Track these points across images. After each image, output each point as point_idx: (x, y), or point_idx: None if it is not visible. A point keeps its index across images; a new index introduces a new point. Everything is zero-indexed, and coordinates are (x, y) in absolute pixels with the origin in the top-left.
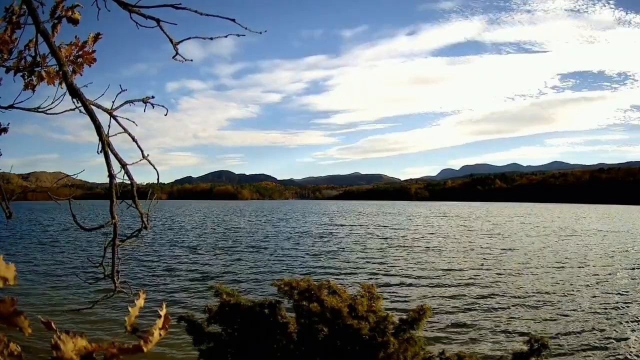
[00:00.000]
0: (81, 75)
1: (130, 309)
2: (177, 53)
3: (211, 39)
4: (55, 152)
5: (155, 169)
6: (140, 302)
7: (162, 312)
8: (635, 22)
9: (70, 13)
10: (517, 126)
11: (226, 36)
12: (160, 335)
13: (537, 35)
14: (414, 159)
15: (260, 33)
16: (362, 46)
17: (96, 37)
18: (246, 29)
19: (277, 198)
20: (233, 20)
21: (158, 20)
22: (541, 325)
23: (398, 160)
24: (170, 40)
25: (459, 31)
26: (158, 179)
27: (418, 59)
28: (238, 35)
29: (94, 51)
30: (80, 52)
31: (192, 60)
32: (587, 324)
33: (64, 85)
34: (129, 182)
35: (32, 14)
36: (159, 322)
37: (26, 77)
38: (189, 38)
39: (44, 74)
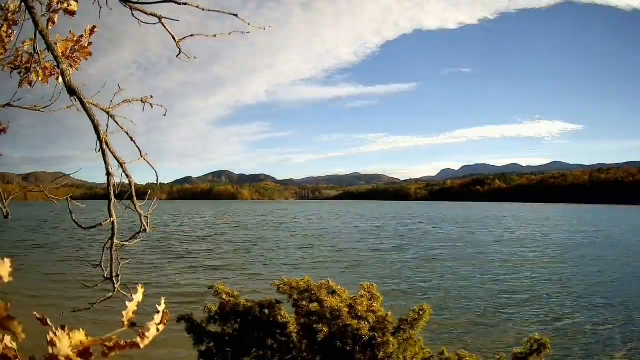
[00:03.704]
0: (77, 70)
1: (127, 303)
2: (180, 51)
3: (214, 36)
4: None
5: (154, 169)
6: (138, 297)
7: (161, 308)
8: None
9: (66, 5)
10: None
11: (230, 34)
12: (157, 330)
13: None
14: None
15: (264, 29)
16: None
17: (92, 31)
18: (249, 24)
19: (277, 198)
20: (236, 15)
21: (160, 17)
22: (542, 324)
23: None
24: (173, 38)
25: None
26: (157, 179)
27: None
28: (242, 33)
29: (90, 44)
30: (76, 47)
31: (195, 58)
32: (589, 324)
33: (60, 80)
34: (127, 181)
35: (30, 12)
36: (157, 318)
37: (23, 74)
38: (191, 35)
39: (40, 70)
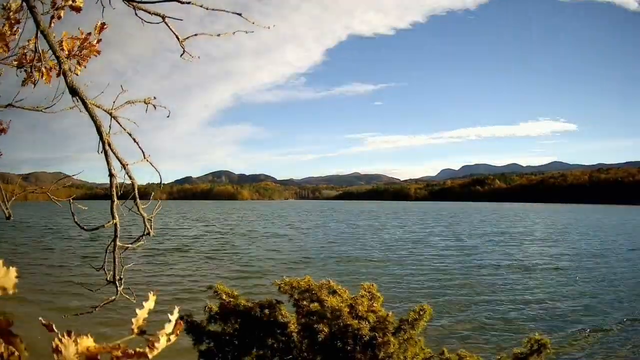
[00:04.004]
0: (85, 67)
1: (137, 311)
2: (184, 51)
3: (218, 35)
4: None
5: (158, 171)
6: (149, 304)
7: (173, 317)
8: None
9: (71, 2)
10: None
11: (234, 33)
12: (168, 340)
13: None
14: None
15: (269, 28)
16: None
17: (102, 27)
18: (253, 23)
19: (277, 198)
20: (240, 14)
21: (163, 17)
22: (542, 324)
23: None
24: (177, 37)
25: None
26: (161, 181)
27: None
28: (246, 32)
29: (99, 41)
30: (84, 44)
31: (199, 58)
32: (588, 324)
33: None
34: (129, 182)
35: (32, 12)
36: (168, 327)
37: (28, 72)
38: (195, 35)
39: (44, 70)
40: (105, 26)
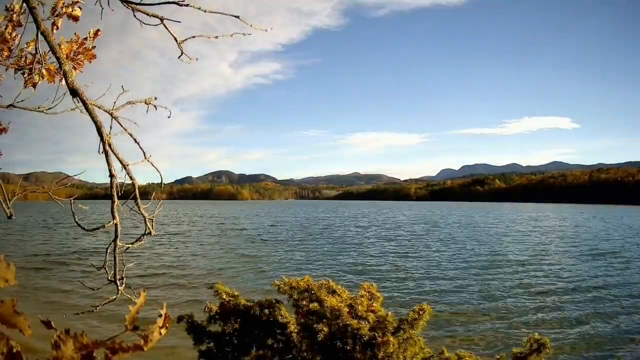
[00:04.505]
0: (81, 72)
1: (130, 307)
2: (182, 53)
3: (216, 37)
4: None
5: (159, 171)
6: (141, 301)
7: (163, 312)
8: None
9: (70, 10)
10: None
11: (232, 35)
12: (160, 334)
13: None
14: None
15: (266, 30)
16: None
17: (96, 34)
18: (251, 26)
19: (277, 198)
20: (237, 17)
21: (162, 19)
22: (541, 323)
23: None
24: (175, 39)
25: None
26: (162, 181)
27: None
28: (244, 34)
29: (94, 47)
30: (80, 49)
31: (197, 59)
32: (589, 322)
33: (64, 83)
34: (129, 182)
35: (32, 13)
36: (160, 322)
37: (27, 75)
38: (193, 37)
39: (44, 72)
40: (99, 32)
